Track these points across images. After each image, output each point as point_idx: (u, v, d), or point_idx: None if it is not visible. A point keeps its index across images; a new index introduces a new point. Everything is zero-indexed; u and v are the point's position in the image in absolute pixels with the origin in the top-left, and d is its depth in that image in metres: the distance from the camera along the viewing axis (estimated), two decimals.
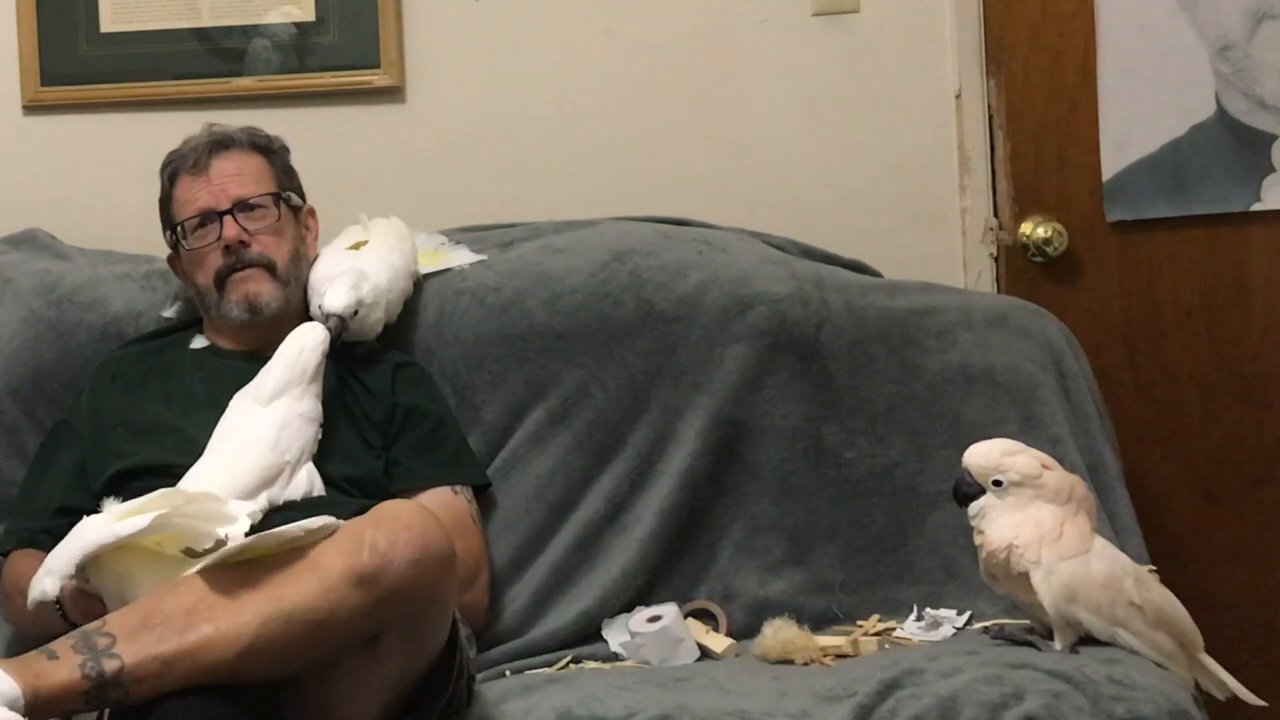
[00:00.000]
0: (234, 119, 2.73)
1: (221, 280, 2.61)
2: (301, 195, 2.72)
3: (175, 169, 2.66)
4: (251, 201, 2.63)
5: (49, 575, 2.05)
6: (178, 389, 2.61)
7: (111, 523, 2.03)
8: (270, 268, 2.62)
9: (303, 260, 2.68)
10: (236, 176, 2.64)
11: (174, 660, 1.94)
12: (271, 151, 2.69)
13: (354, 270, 2.64)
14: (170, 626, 1.95)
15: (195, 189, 2.63)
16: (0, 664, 1.92)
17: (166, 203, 2.67)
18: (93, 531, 2.03)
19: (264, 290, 2.61)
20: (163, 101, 3.01)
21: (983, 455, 2.37)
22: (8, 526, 2.59)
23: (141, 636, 1.95)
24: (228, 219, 2.60)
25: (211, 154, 2.64)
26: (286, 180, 2.70)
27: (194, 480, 2.38)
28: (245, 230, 2.60)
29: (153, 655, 1.94)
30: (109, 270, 2.82)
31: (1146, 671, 2.25)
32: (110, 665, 1.93)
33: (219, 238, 2.60)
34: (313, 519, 2.04)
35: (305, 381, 2.49)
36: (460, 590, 2.29)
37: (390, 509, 2.11)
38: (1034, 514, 2.32)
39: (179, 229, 2.64)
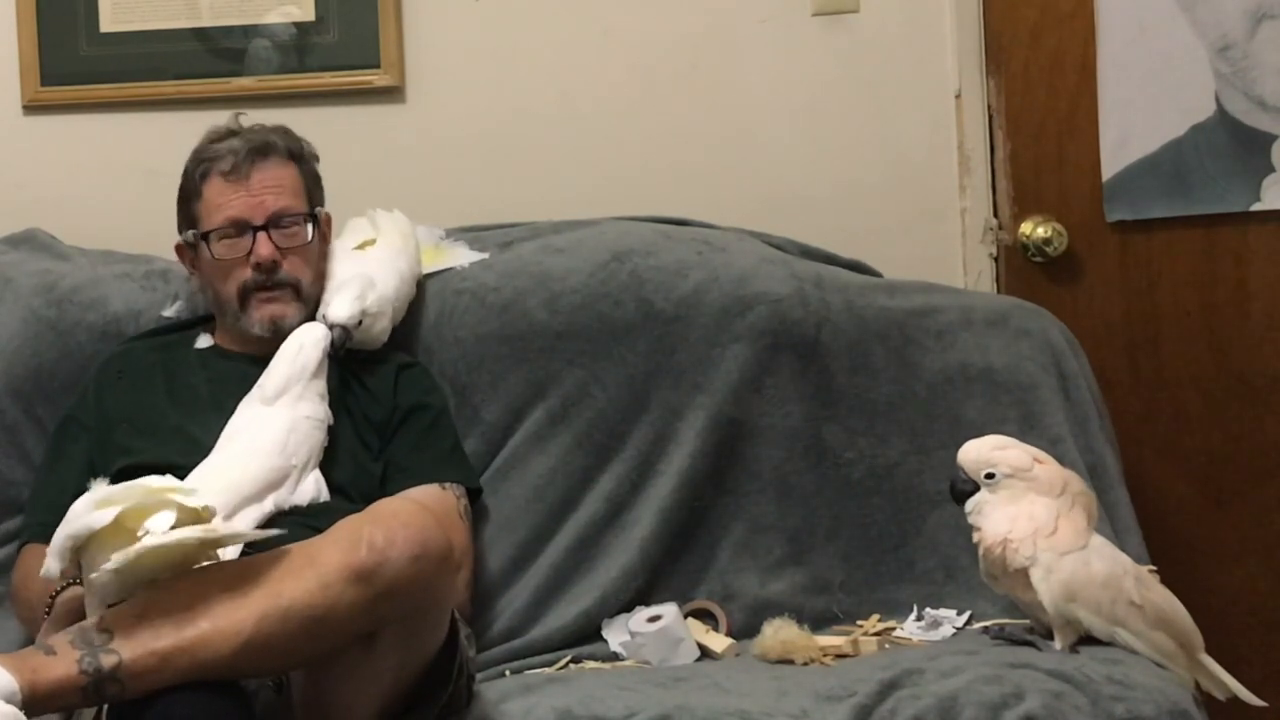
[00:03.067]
0: (244, 116, 2.72)
1: (246, 295, 2.59)
2: (323, 203, 2.71)
3: (208, 169, 2.62)
4: (287, 217, 2.61)
5: (50, 556, 2.06)
6: (182, 389, 2.61)
7: (89, 511, 2.03)
8: (296, 289, 2.61)
9: (322, 279, 2.67)
10: (275, 188, 2.60)
11: (171, 656, 1.94)
12: (303, 160, 2.67)
13: (362, 278, 2.63)
14: (168, 622, 1.95)
15: (230, 194, 2.59)
16: None
17: (192, 200, 2.63)
18: (75, 520, 2.04)
19: (289, 312, 2.60)
20: (163, 101, 3.01)
21: (974, 451, 2.38)
22: (24, 521, 2.59)
23: (139, 632, 1.95)
24: (262, 235, 2.58)
25: (252, 161, 2.60)
26: (315, 192, 2.68)
27: (198, 481, 2.37)
28: (278, 249, 2.59)
29: (150, 651, 1.94)
30: (109, 270, 2.82)
31: (1146, 671, 2.25)
32: (108, 661, 1.93)
33: (250, 252, 2.58)
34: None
35: (306, 379, 2.49)
36: None
37: (388, 506, 2.11)
38: (1027, 507, 2.33)
39: (206, 236, 2.60)
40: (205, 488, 2.28)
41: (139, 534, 1.99)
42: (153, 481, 2.06)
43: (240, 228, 2.59)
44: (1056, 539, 2.31)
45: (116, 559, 1.97)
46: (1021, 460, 2.36)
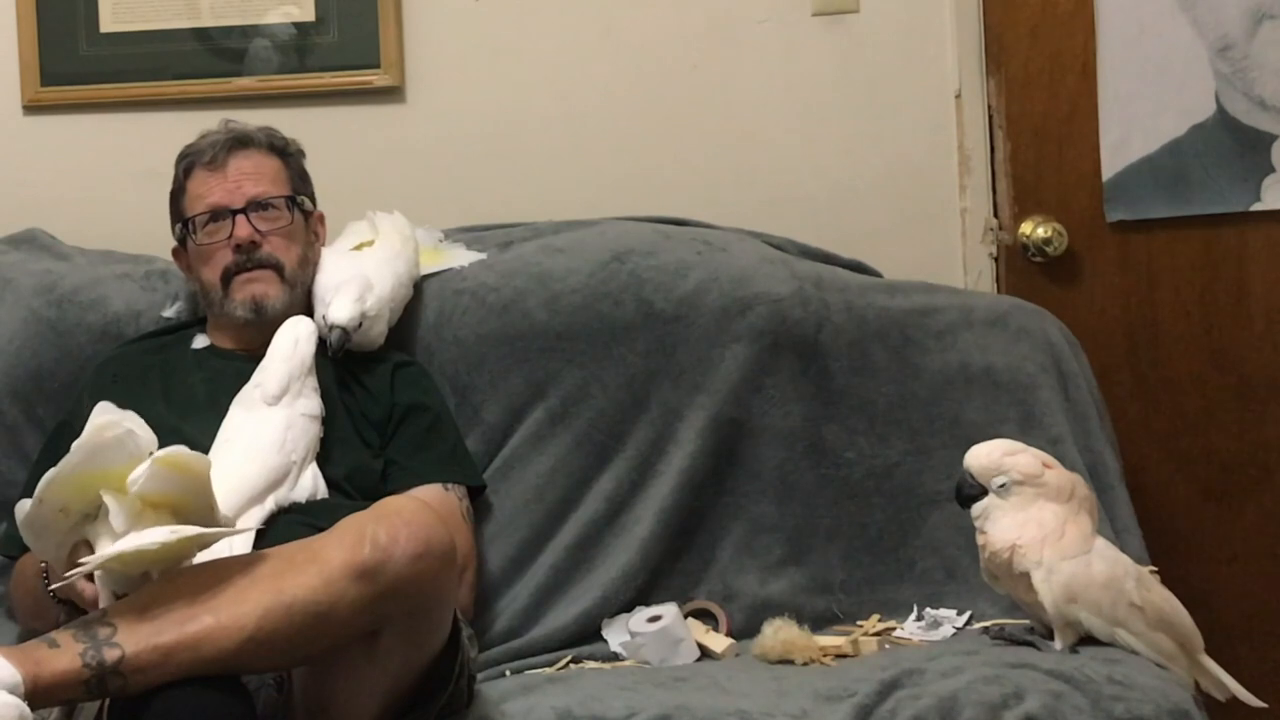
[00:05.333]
0: (235, 119, 2.73)
1: (228, 278, 2.60)
2: (313, 200, 2.72)
3: (191, 162, 2.65)
4: (266, 201, 2.63)
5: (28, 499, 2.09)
6: (178, 389, 2.61)
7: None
8: (279, 269, 2.62)
9: (309, 265, 2.68)
10: (253, 175, 2.63)
11: (174, 650, 1.94)
12: (288, 154, 2.69)
13: (360, 279, 2.63)
14: (171, 617, 1.96)
15: (210, 184, 2.62)
16: (1, 651, 1.92)
17: (178, 195, 2.67)
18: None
19: (271, 291, 2.61)
20: (163, 101, 3.01)
21: (984, 456, 2.37)
22: (9, 530, 2.59)
23: (142, 626, 1.95)
24: (240, 218, 2.60)
25: (230, 151, 2.64)
26: (301, 184, 2.70)
27: None
28: (257, 230, 2.60)
29: (153, 645, 1.94)
30: (109, 270, 2.82)
31: (1146, 672, 2.25)
32: (111, 654, 1.93)
33: (230, 235, 2.60)
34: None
35: (304, 374, 2.49)
36: None
37: (391, 504, 2.11)
38: (1036, 514, 2.32)
39: (189, 223, 2.63)
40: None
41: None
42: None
43: (219, 213, 2.61)
44: (1064, 545, 2.31)
45: (92, 561, 1.98)
46: (1032, 467, 2.35)
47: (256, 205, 2.62)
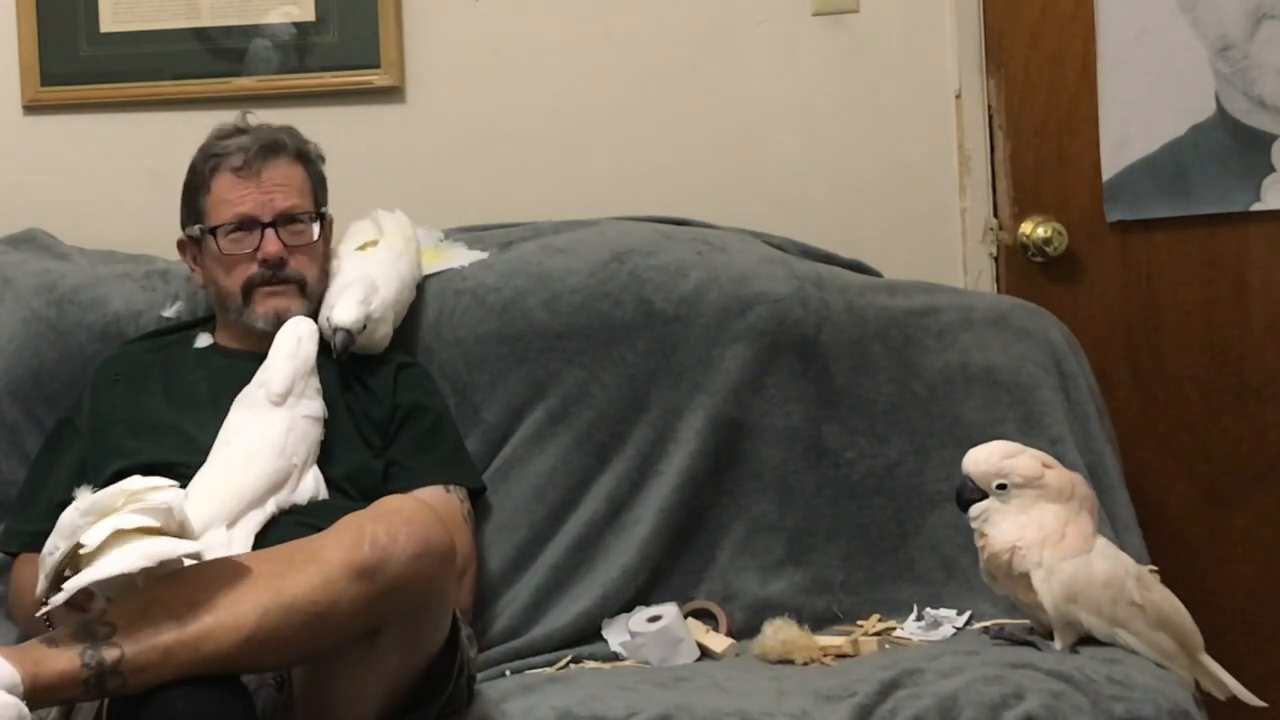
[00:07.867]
0: (252, 113, 2.72)
1: (250, 289, 2.60)
2: (327, 204, 2.71)
3: (218, 164, 2.63)
4: (294, 215, 2.62)
5: (41, 576, 2.09)
6: (180, 387, 2.61)
7: (67, 536, 2.05)
8: (302, 286, 2.62)
9: (327, 276, 2.68)
10: (284, 187, 2.62)
11: (173, 650, 1.94)
12: (310, 161, 2.68)
13: (365, 281, 2.63)
14: (170, 616, 1.96)
15: (240, 191, 2.61)
16: (0, 651, 1.92)
17: (198, 192, 2.64)
18: (60, 536, 2.06)
19: (293, 306, 2.60)
20: (163, 101, 3.01)
21: (983, 460, 2.36)
22: (9, 526, 2.59)
23: (141, 626, 1.95)
24: (269, 232, 2.59)
25: (264, 159, 2.61)
26: (321, 194, 2.70)
27: (201, 487, 2.37)
28: (285, 246, 2.60)
29: (152, 645, 1.94)
30: (109, 270, 2.82)
31: (1147, 671, 2.25)
32: (110, 654, 1.93)
33: (258, 248, 2.59)
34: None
35: (308, 373, 2.49)
36: None
37: (391, 503, 2.11)
38: (1037, 515, 2.32)
39: (214, 230, 2.61)
40: (206, 496, 2.30)
41: (79, 548, 2.01)
42: (109, 497, 2.06)
43: (248, 224, 2.60)
44: (1064, 545, 2.31)
45: (76, 584, 1.97)
46: (1032, 469, 2.34)
47: (285, 219, 2.61)
